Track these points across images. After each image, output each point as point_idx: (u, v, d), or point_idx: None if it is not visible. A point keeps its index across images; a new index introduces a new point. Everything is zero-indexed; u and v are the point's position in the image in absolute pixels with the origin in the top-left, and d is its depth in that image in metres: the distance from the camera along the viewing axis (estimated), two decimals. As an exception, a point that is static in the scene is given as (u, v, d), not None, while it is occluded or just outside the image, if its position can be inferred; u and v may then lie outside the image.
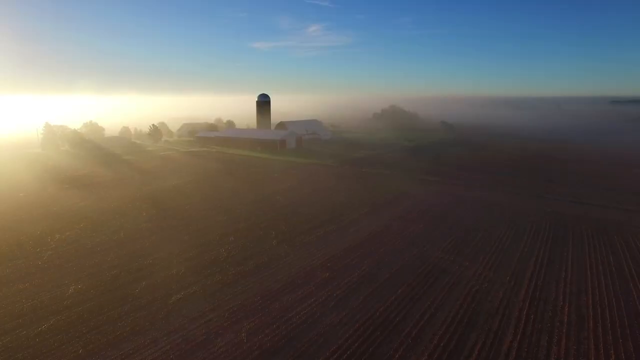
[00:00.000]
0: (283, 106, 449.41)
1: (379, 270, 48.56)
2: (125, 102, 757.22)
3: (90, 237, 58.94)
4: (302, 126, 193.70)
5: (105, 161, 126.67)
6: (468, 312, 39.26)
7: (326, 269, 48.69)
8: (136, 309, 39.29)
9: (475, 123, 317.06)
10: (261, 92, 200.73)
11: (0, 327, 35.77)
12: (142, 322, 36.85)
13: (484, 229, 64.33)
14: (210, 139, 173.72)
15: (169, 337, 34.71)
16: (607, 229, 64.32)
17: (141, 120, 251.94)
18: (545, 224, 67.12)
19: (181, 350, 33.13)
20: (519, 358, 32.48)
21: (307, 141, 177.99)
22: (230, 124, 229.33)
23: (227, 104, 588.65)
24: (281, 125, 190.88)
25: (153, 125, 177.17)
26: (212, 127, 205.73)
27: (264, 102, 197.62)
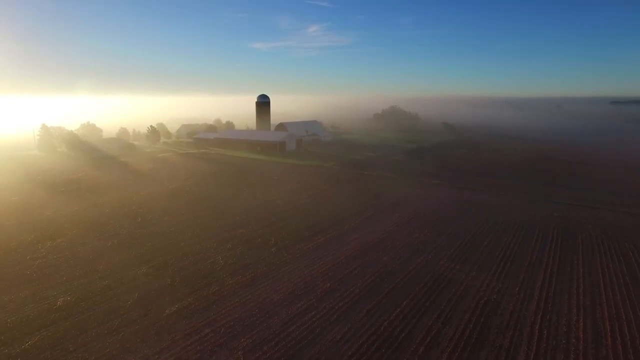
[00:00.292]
0: (283, 107, 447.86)
1: (382, 280, 46.54)
2: (124, 102, 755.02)
3: (83, 244, 56.87)
4: (302, 127, 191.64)
5: (102, 163, 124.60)
6: (477, 327, 37.23)
7: (327, 279, 46.66)
8: (127, 323, 37.23)
9: (476, 124, 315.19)
10: (261, 93, 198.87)
11: (-18, 344, 33.75)
12: (133, 339, 34.80)
13: (490, 235, 62.33)
14: (209, 140, 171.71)
15: (160, 356, 32.67)
16: (616, 234, 62.35)
17: (140, 121, 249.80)
18: (552, 229, 65.12)
19: (173, 370, 31.10)
20: (533, 379, 30.48)
21: (307, 143, 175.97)
22: (229, 125, 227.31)
23: (226, 105, 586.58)
24: (281, 126, 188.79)
25: (151, 126, 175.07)
26: (211, 128, 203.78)
27: (263, 103, 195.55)
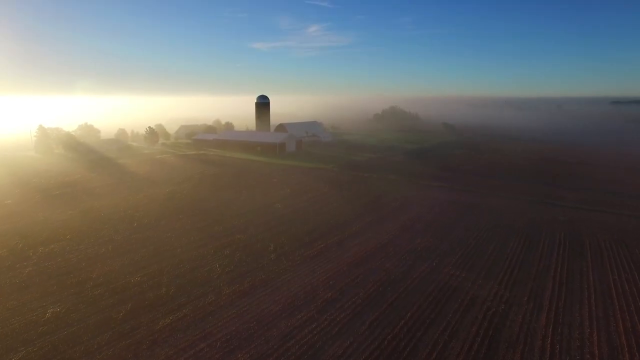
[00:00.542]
0: (283, 107, 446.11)
1: (385, 289, 44.82)
2: (124, 102, 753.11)
3: (77, 250, 55.12)
4: (302, 128, 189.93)
5: (99, 165, 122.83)
6: (485, 340, 35.50)
7: (328, 288, 44.93)
8: (119, 336, 35.50)
9: (477, 124, 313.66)
10: (261, 93, 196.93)
11: (-35, 361, 32.07)
12: (124, 354, 33.07)
13: (495, 240, 60.63)
14: (208, 141, 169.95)
15: (152, 373, 30.97)
16: (625, 240, 60.67)
17: (140, 121, 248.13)
18: (559, 233, 63.43)
19: (166, 389, 29.39)
20: (547, 399, 28.78)
21: (307, 144, 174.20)
22: (228, 126, 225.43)
23: (226, 105, 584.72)
24: (281, 127, 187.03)
25: (149, 127, 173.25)
26: (210, 129, 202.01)
27: (263, 104, 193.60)
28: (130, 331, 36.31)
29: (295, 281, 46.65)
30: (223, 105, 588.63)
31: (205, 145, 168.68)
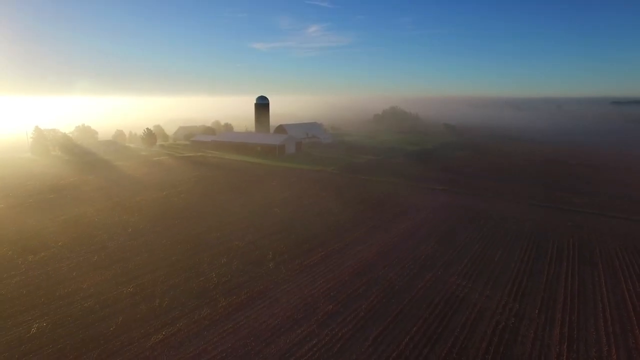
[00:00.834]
0: (283, 107, 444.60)
1: (389, 301, 42.79)
2: (124, 103, 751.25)
3: (68, 258, 53.07)
4: (302, 129, 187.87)
5: (95, 167, 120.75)
6: (497, 358, 33.47)
7: (329, 300, 42.88)
8: (108, 354, 33.44)
9: (477, 124, 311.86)
10: (261, 93, 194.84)
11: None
12: (112, 375, 31.05)
13: (501, 247, 58.61)
14: (207, 143, 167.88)
15: (142, 397, 28.91)
16: (637, 247, 58.67)
17: (139, 122, 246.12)
18: (567, 240, 61.42)
19: (156, 415, 27.34)
20: None
21: (307, 145, 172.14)
22: (228, 127, 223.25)
23: (226, 105, 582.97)
24: (280, 128, 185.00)
25: (147, 129, 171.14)
26: (208, 130, 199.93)
27: (262, 105, 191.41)
28: (119, 349, 34.24)
29: (295, 292, 44.60)
30: (223, 105, 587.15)
31: (204, 147, 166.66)
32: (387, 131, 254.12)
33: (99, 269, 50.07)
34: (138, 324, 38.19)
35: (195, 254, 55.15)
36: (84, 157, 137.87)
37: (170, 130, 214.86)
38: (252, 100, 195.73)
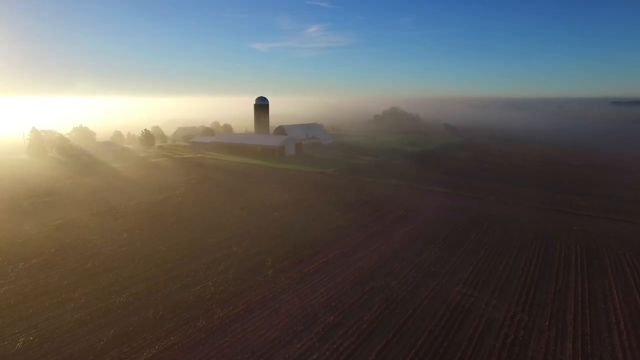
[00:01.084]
0: (282, 107, 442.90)
1: (392, 312, 41.10)
2: (123, 103, 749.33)
3: (60, 266, 51.39)
4: (302, 130, 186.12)
5: (92, 169, 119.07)
6: (507, 375, 31.80)
7: (330, 311, 41.19)
8: (97, 371, 31.77)
9: (478, 125, 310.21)
10: (260, 94, 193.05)
11: None
12: (101, 394, 29.35)
13: (507, 253, 56.90)
14: (206, 144, 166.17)
15: (131, 419, 27.21)
16: (646, 253, 56.90)
17: (138, 123, 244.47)
18: (575, 246, 59.71)
19: None
20: None
21: (307, 146, 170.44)
22: (227, 128, 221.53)
23: (226, 106, 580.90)
24: (280, 129, 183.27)
25: (145, 130, 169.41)
26: (208, 131, 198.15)
27: (261, 106, 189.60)
28: (110, 365, 32.57)
29: (295, 302, 42.91)
30: (222, 106, 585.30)
31: (203, 148, 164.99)
32: (387, 132, 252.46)
33: (92, 276, 48.41)
34: (131, 336, 36.53)
35: (192, 260, 53.49)
36: (81, 158, 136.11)
37: (169, 131, 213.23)
38: (252, 101, 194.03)
